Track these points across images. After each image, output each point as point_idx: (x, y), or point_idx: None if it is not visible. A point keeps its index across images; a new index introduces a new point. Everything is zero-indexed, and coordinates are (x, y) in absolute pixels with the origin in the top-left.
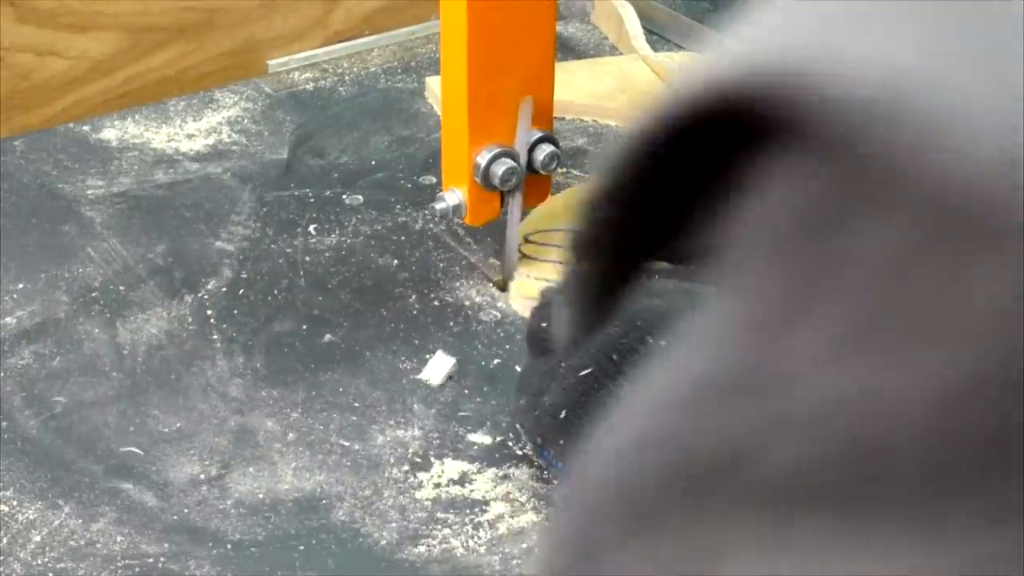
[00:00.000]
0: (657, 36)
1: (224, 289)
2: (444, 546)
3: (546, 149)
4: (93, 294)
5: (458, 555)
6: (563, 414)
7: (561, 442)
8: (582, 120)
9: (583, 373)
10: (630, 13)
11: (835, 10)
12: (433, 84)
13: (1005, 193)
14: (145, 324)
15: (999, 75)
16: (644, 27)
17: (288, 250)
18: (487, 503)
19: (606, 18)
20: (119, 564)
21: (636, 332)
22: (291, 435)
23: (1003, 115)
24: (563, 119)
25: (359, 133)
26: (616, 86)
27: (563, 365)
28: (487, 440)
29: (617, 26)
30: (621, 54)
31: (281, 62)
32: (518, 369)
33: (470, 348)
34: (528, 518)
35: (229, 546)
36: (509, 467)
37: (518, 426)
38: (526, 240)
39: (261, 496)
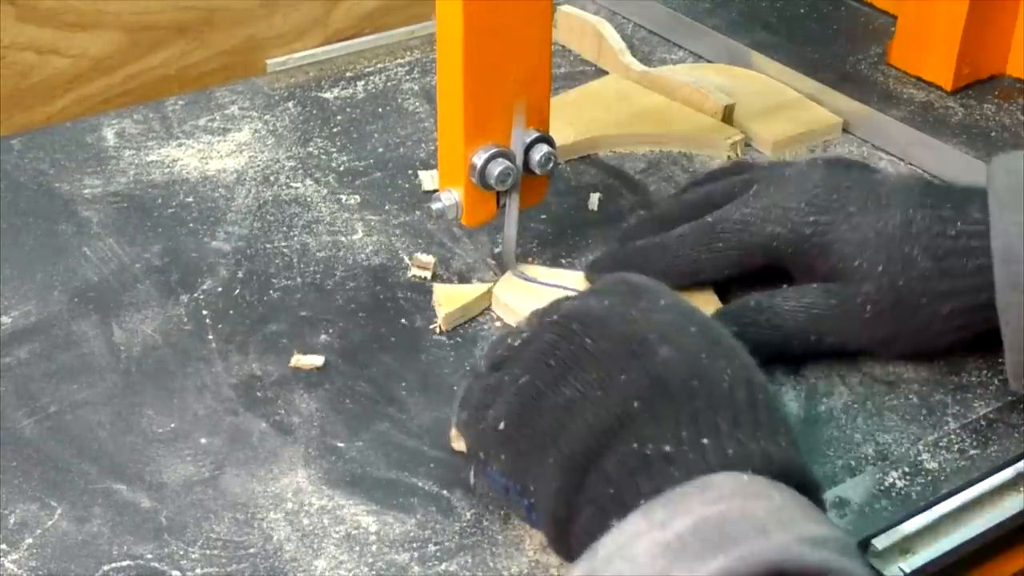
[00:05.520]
0: (658, 37)
1: (220, 289)
2: (437, 547)
3: (542, 149)
4: (89, 294)
5: (449, 556)
6: (501, 425)
7: (503, 456)
8: (613, 151)
9: (521, 382)
10: (608, 29)
11: None
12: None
13: None
14: (140, 324)
15: None
16: (645, 28)
17: (284, 250)
18: (474, 506)
19: (577, 35)
20: (112, 565)
21: (573, 336)
22: (286, 436)
23: None
24: (592, 156)
25: (357, 133)
26: (626, 111)
27: (505, 377)
28: None
29: (596, 42)
30: (595, 68)
31: (280, 61)
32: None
33: (466, 350)
34: (515, 533)
35: (223, 547)
36: None
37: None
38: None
39: (255, 497)
